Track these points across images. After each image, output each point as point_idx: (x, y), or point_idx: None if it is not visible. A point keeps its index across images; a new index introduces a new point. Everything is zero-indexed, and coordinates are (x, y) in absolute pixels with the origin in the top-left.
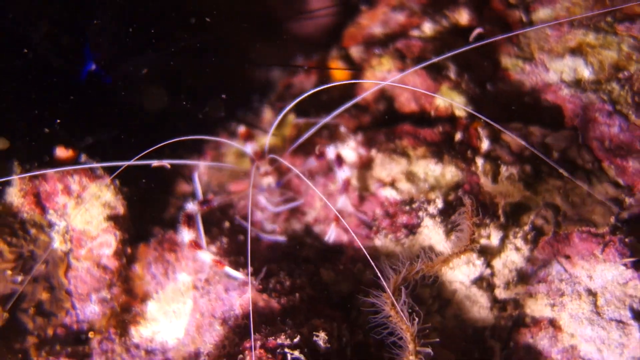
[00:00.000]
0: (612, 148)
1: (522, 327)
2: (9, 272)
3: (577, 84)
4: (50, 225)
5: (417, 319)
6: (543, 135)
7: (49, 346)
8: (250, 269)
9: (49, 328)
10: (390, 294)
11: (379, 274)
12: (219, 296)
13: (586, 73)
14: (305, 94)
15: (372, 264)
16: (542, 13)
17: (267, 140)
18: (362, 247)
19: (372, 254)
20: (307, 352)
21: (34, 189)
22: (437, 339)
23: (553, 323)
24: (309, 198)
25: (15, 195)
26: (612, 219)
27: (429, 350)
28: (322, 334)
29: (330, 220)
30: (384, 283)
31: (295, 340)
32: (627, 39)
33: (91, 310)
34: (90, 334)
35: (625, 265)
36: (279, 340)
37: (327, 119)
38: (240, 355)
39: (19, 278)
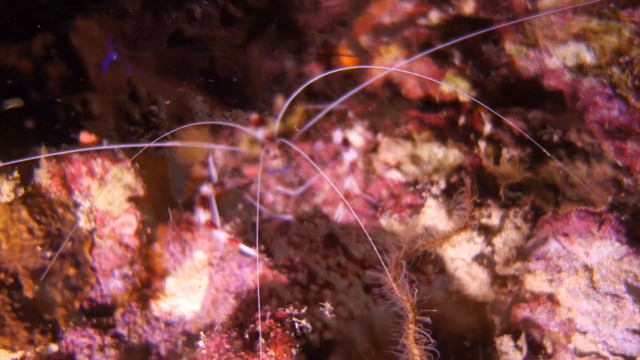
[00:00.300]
0: (612, 130)
1: (522, 302)
2: (39, 248)
3: (580, 69)
4: (76, 205)
5: (416, 291)
6: (544, 118)
7: (76, 317)
8: (261, 246)
9: (75, 301)
10: (388, 269)
11: (374, 248)
12: (233, 272)
13: (588, 58)
14: (312, 80)
15: (370, 239)
16: (547, 1)
17: (276, 125)
18: (362, 226)
19: (378, 232)
20: (314, 321)
21: (60, 171)
22: (435, 310)
23: (551, 298)
24: (318, 181)
25: (43, 177)
26: (610, 198)
27: (427, 319)
28: (327, 305)
29: (338, 202)
30: (381, 256)
31: (303, 310)
32: (628, 24)
33: (114, 285)
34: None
35: (620, 241)
36: (287, 311)
37: (333, 105)
38: (252, 325)
39: (48, 254)
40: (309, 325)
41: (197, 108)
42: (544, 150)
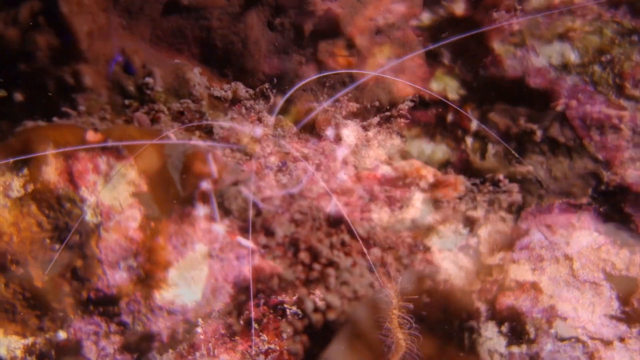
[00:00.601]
0: (593, 126)
1: (507, 290)
2: (48, 241)
3: (564, 67)
4: (82, 200)
5: (400, 277)
6: (528, 115)
7: (84, 306)
8: (259, 238)
9: (83, 291)
10: (370, 258)
11: (359, 239)
12: (231, 263)
13: (572, 57)
14: (305, 80)
15: (354, 230)
16: (535, 2)
17: (271, 122)
18: (346, 218)
19: (369, 224)
20: (304, 308)
21: (68, 168)
22: (417, 296)
23: (534, 286)
24: (313, 176)
25: (52, 174)
26: (590, 191)
27: (410, 305)
28: (317, 292)
29: (331, 196)
30: (364, 246)
31: (294, 298)
32: (611, 24)
33: (120, 276)
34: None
35: (598, 231)
36: (279, 298)
37: (327, 103)
38: (247, 311)
39: (56, 246)
40: (299, 311)
41: (195, 80)
42: (513, 152)
